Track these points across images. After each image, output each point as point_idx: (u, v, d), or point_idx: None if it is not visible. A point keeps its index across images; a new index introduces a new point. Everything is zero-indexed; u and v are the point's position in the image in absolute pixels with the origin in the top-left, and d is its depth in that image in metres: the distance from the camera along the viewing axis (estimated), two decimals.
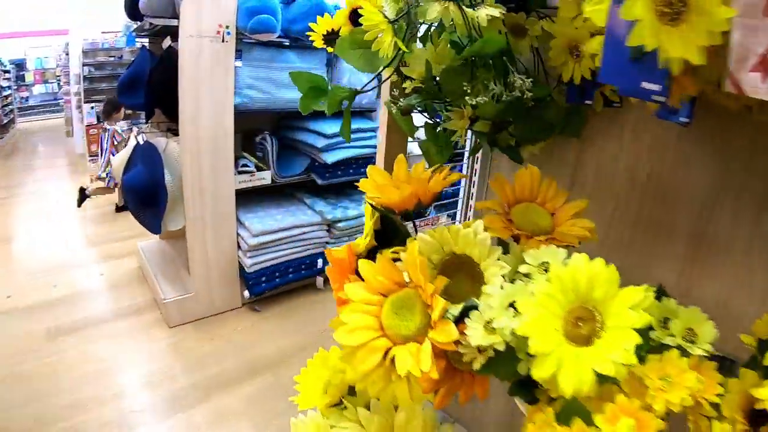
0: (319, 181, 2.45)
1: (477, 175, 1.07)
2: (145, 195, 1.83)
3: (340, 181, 2.54)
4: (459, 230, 0.61)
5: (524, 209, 0.69)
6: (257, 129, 2.39)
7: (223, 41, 1.85)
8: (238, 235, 2.19)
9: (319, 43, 0.80)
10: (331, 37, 0.78)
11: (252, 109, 2.11)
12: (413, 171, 0.74)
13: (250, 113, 2.11)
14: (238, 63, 1.97)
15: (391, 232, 0.73)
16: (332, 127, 2.37)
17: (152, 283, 2.29)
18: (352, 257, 0.70)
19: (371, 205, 0.70)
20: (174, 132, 1.99)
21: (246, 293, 2.26)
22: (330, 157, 2.36)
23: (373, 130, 2.59)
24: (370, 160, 2.65)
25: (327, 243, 2.52)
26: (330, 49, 0.80)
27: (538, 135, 0.85)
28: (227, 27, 1.84)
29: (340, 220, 2.49)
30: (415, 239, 0.62)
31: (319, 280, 2.57)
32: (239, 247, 2.21)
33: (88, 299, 2.37)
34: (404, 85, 0.72)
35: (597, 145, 0.92)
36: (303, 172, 2.45)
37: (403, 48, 0.56)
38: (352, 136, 2.45)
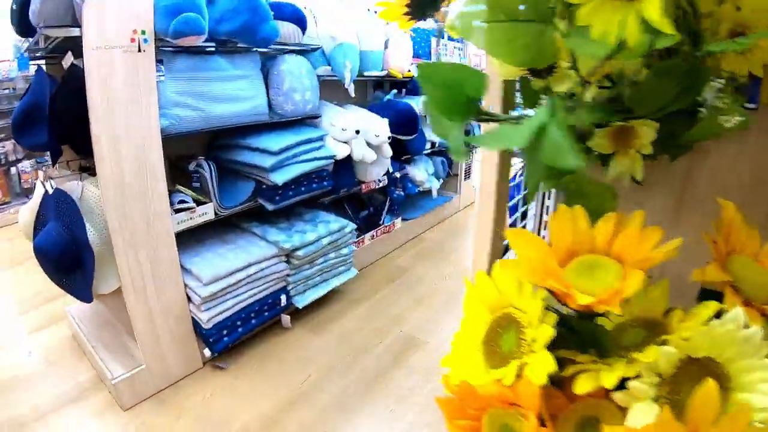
0: (270, 207, 2.12)
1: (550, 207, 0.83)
2: (66, 259, 1.40)
3: (293, 203, 2.22)
4: (713, 328, 0.38)
5: (744, 268, 0.47)
6: (187, 155, 2.00)
7: (139, 51, 1.46)
8: (185, 286, 1.80)
9: (395, 14, 0.50)
10: (422, 6, 0.49)
11: (181, 132, 1.73)
12: (581, 230, 0.48)
13: (177, 136, 1.72)
14: (161, 76, 1.58)
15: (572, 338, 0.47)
16: (279, 141, 2.04)
17: (92, 356, 1.85)
18: (530, 391, 0.43)
19: (554, 311, 0.44)
20: (90, 171, 1.56)
21: (206, 351, 1.88)
22: (280, 177, 2.04)
23: (321, 138, 2.30)
24: (321, 173, 2.35)
25: (288, 276, 2.20)
26: (405, 25, 0.50)
27: (681, 148, 0.63)
28: (143, 32, 1.45)
29: (298, 248, 2.17)
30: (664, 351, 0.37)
31: (285, 318, 2.24)
32: (189, 299, 1.83)
33: (21, 388, 1.86)
34: (576, 92, 0.45)
35: (711, 153, 0.74)
36: (249, 199, 2.10)
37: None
38: (301, 148, 2.15)
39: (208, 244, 2.03)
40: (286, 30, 1.95)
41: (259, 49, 1.97)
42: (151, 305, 1.69)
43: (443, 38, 3.32)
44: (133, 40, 1.44)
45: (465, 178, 4.41)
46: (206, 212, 1.85)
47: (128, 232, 1.56)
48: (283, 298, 2.20)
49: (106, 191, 1.49)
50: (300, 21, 2.00)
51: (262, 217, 2.33)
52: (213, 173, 1.88)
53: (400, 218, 3.46)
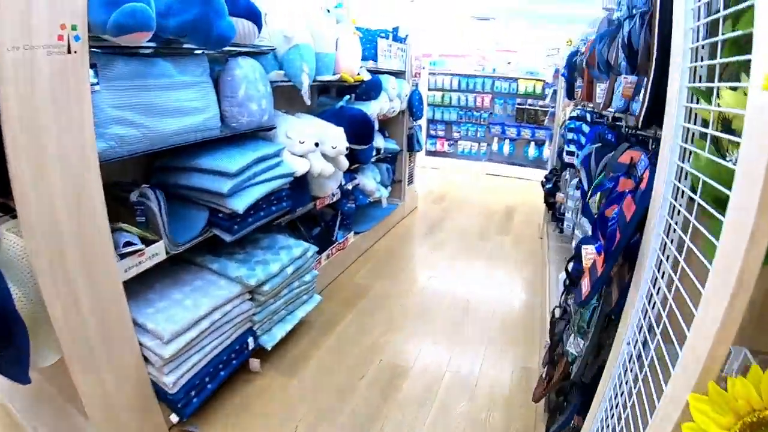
0: (228, 238, 1.81)
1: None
2: None
3: (251, 229, 1.92)
4: None
5: None
6: (125, 182, 1.64)
7: (69, 52, 1.12)
8: (141, 346, 1.45)
9: None
10: None
11: (122, 156, 1.38)
12: None
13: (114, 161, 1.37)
14: (95, 85, 1.24)
15: None
16: (235, 160, 1.75)
17: None
18: None
19: None
20: (9, 212, 1.18)
21: (173, 417, 1.54)
22: (240, 203, 1.74)
23: (278, 153, 2.02)
24: (281, 194, 2.07)
25: (253, 315, 1.89)
26: None
27: None
28: (74, 27, 1.11)
29: (264, 282, 1.88)
30: None
31: (254, 363, 1.94)
32: (147, 360, 1.47)
33: None
34: None
35: None
36: (203, 231, 1.77)
37: None
38: (259, 166, 1.88)
39: (160, 289, 1.67)
40: (242, 28, 1.65)
41: (208, 52, 1.66)
42: (102, 374, 1.32)
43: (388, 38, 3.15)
44: (60, 37, 1.09)
45: (408, 183, 4.28)
46: (157, 253, 1.50)
47: (65, 289, 1.20)
48: (251, 340, 1.90)
49: (33, 238, 1.12)
50: (255, 17, 1.71)
51: (214, 248, 2.00)
52: (162, 204, 1.53)
53: (352, 232, 3.23)
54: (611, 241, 0.82)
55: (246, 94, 1.78)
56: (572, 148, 2.03)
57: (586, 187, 1.45)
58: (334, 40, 2.35)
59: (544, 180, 3.46)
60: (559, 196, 2.61)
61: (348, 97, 2.65)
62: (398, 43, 3.36)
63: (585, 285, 0.91)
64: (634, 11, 1.08)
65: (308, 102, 2.23)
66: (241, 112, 1.80)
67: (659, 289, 0.73)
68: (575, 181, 2.19)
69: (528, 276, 3.21)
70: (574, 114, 2.09)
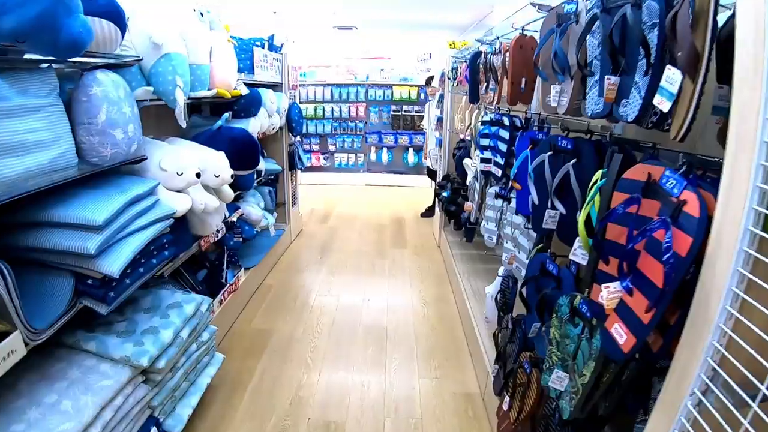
0: (104, 310, 1.41)
1: None
2: None
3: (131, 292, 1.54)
4: None
5: None
6: None
7: None
8: None
9: None
10: None
11: None
12: None
13: None
14: None
15: None
16: (100, 207, 1.39)
17: None
18: None
19: None
20: None
21: None
22: (114, 263, 1.37)
23: (152, 191, 1.67)
24: (161, 241, 1.72)
25: (152, 399, 1.52)
26: None
27: None
28: None
29: (158, 357, 1.52)
30: None
31: None
32: None
33: None
34: None
35: None
36: (70, 305, 1.35)
37: None
38: (132, 211, 1.56)
39: (27, 391, 1.22)
40: (100, 29, 1.29)
41: (56, 64, 1.26)
42: None
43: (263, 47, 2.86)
44: None
45: (292, 205, 4.01)
46: (14, 350, 1.09)
47: None
48: (154, 430, 1.51)
49: None
50: (118, 17, 1.35)
51: (86, 320, 1.56)
52: (10, 280, 1.11)
53: (242, 269, 2.88)
54: (667, 280, 0.71)
55: (108, 118, 1.40)
56: (488, 154, 1.98)
57: (536, 199, 1.37)
58: (209, 50, 2.03)
59: (438, 188, 3.45)
60: (468, 204, 2.58)
61: (227, 115, 2.32)
62: (274, 52, 3.09)
63: (621, 333, 0.79)
64: (606, 2, 1.01)
65: (183, 123, 1.88)
66: (103, 142, 1.41)
67: (729, 331, 0.66)
68: (493, 189, 2.15)
69: (437, 290, 3.16)
70: (488, 118, 2.05)
